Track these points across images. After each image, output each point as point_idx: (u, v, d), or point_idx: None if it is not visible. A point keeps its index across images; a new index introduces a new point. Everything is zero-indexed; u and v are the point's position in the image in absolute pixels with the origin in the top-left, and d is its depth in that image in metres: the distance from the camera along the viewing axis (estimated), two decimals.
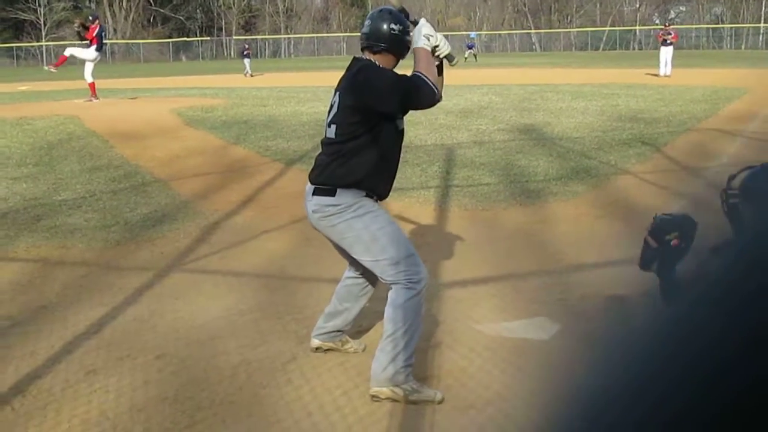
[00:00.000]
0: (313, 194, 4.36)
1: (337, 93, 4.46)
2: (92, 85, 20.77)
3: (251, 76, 40.11)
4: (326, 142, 4.48)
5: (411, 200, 8.92)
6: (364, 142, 4.31)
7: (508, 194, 9.13)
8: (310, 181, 4.42)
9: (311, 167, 4.46)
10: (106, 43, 21.29)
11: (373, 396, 4.13)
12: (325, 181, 4.34)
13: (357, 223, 4.29)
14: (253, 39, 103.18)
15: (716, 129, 14.00)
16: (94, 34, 20.54)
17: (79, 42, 21.24)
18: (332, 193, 4.30)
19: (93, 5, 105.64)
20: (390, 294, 4.25)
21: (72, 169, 11.26)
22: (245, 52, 43.75)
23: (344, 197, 4.30)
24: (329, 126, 4.46)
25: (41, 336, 5.19)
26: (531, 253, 6.95)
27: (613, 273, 6.28)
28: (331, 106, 4.50)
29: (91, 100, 20.60)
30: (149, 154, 12.46)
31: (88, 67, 20.67)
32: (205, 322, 5.39)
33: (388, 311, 4.20)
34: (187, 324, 5.37)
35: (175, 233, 7.86)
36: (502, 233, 7.64)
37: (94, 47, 20.57)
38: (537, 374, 4.37)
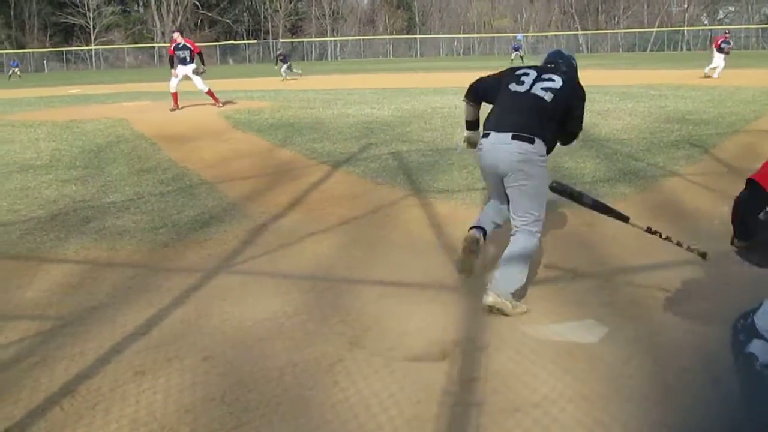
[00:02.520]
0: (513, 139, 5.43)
1: (556, 79, 5.64)
2: (210, 93, 21.32)
3: (294, 78, 40.22)
4: (535, 105, 5.55)
5: (457, 202, 8.89)
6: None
7: (555, 196, 9.06)
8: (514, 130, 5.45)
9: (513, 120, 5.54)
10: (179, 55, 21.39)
11: (490, 307, 5.32)
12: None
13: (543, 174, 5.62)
14: (299, 42, 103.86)
15: (766, 130, 13.82)
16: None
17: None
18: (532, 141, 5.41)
19: (141, 9, 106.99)
20: (518, 235, 5.59)
21: (120, 172, 11.37)
22: (280, 56, 43.84)
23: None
24: (545, 90, 5.57)
25: (90, 336, 5.23)
26: (578, 255, 6.90)
27: (661, 275, 6.22)
28: (542, 79, 5.66)
29: (218, 105, 21.10)
30: (197, 156, 12.55)
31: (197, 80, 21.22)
32: (252, 323, 5.41)
33: (517, 248, 5.52)
34: (234, 326, 5.38)
35: (223, 235, 7.89)
36: (549, 235, 7.59)
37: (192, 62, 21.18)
38: (585, 377, 4.34)
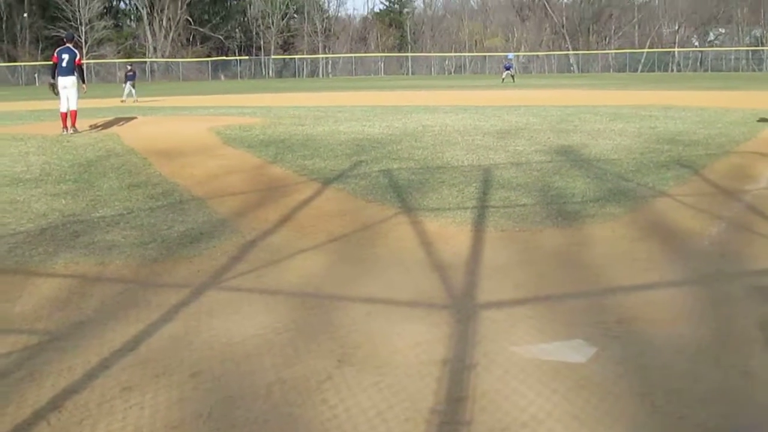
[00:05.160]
0: None
1: None
2: (74, 114, 19.07)
3: (122, 101, 37.06)
4: None
5: (447, 221, 8.90)
6: None
7: (545, 215, 9.08)
8: None
9: None
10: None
11: None
12: None
13: None
14: (291, 58, 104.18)
15: (755, 152, 13.88)
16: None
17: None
18: None
19: (133, 24, 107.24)
20: None
21: (110, 186, 11.35)
22: (128, 73, 40.18)
23: None
24: None
25: (78, 351, 5.21)
26: (568, 275, 6.91)
27: (650, 296, 6.23)
28: None
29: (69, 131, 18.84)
30: (187, 172, 12.54)
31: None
32: (241, 339, 5.40)
33: None
34: (222, 342, 5.37)
35: (212, 251, 7.88)
36: (538, 255, 7.60)
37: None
38: (573, 397, 4.34)
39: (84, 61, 21.81)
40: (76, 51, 19.11)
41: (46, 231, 8.71)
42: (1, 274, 7.20)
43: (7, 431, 4.09)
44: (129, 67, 41.75)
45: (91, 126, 20.34)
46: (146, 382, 4.68)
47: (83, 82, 19.29)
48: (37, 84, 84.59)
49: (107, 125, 20.90)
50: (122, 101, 36.99)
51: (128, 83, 39.21)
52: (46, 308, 6.19)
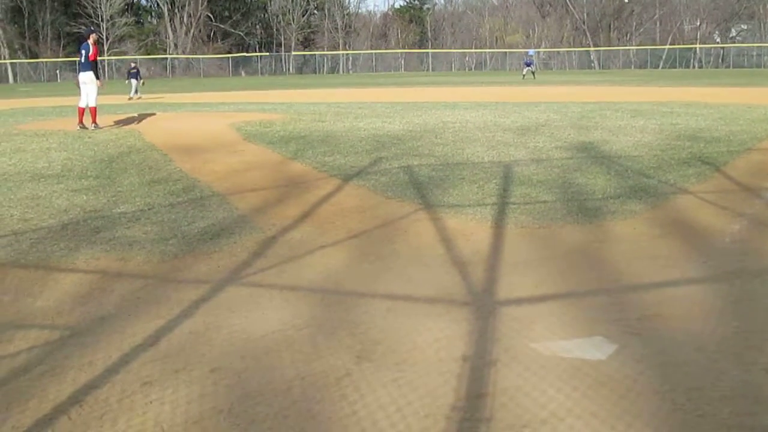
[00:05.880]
0: None
1: None
2: (93, 110, 19.31)
3: (139, 98, 36.95)
4: None
5: (467, 217, 8.89)
6: None
7: (566, 212, 9.06)
8: None
9: None
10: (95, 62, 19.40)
11: None
12: None
13: None
14: (311, 55, 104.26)
15: None
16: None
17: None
18: None
19: (154, 21, 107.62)
20: None
21: (131, 182, 11.39)
22: (132, 71, 39.68)
23: None
24: None
25: (99, 347, 5.24)
26: (588, 271, 6.89)
27: (671, 293, 6.20)
28: None
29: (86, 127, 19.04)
30: (208, 168, 12.56)
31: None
32: (261, 335, 5.41)
33: None
34: (242, 338, 5.38)
35: (232, 247, 7.90)
36: (559, 251, 7.58)
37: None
38: (593, 394, 4.32)
39: (102, 58, 21.96)
40: (90, 46, 19.15)
41: (68, 227, 8.75)
42: (23, 269, 7.24)
43: (29, 425, 4.12)
44: (133, 65, 41.62)
45: (114, 122, 20.44)
46: (166, 378, 4.69)
47: (96, 77, 19.32)
48: (58, 80, 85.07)
49: (128, 122, 20.99)
50: (139, 98, 37.02)
51: (133, 80, 39.10)
52: (68, 303, 6.22)
